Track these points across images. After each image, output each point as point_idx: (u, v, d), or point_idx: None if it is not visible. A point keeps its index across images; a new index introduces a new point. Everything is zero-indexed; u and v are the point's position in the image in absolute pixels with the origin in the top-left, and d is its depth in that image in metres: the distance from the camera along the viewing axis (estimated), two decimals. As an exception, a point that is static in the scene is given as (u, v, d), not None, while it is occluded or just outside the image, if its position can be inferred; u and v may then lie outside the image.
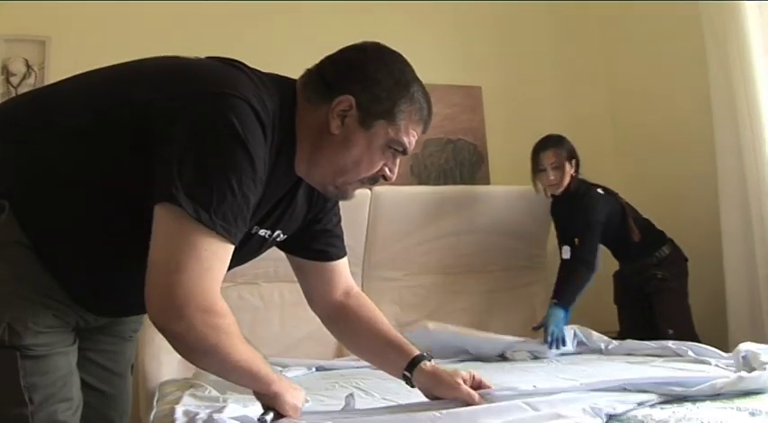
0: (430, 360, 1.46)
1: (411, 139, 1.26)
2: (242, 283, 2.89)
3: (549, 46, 4.05)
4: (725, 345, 2.61)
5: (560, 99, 3.99)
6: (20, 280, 1.14)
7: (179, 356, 2.91)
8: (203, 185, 1.06)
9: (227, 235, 1.08)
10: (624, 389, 1.51)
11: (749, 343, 2.06)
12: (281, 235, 1.36)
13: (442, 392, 1.42)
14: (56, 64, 3.11)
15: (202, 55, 1.28)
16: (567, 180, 2.98)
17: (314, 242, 1.47)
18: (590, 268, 2.88)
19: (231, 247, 1.10)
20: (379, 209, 3.09)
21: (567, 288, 2.89)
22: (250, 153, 1.09)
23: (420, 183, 3.63)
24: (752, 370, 1.72)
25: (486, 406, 1.33)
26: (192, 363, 1.17)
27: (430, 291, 3.25)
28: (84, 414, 1.27)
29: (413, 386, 1.46)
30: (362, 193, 3.09)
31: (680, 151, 3.49)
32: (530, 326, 2.98)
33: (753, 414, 1.37)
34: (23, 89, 3.06)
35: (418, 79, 1.27)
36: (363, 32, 3.48)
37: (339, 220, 1.52)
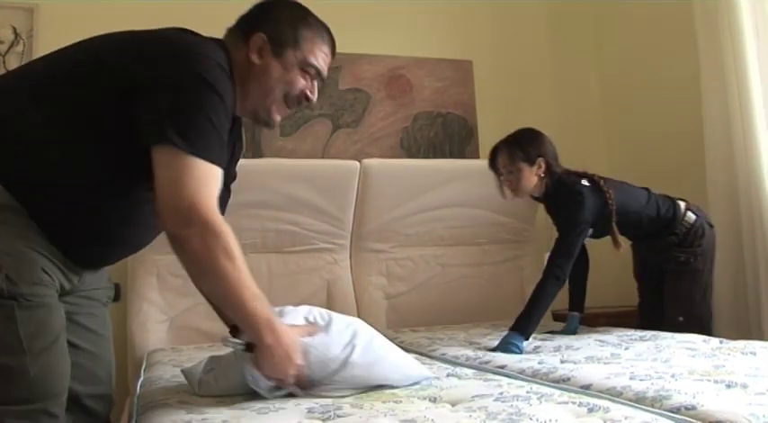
0: None
1: (320, 61, 1.52)
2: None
3: (541, 21, 4.03)
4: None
5: (551, 74, 3.99)
6: (14, 237, 1.26)
7: (166, 326, 2.94)
8: (188, 124, 1.28)
9: (212, 158, 1.29)
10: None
11: None
12: None
13: None
14: (44, 32, 3.08)
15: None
16: (529, 183, 2.58)
17: None
18: (559, 282, 2.41)
19: (219, 170, 1.32)
20: (369, 181, 3.10)
21: (529, 311, 2.36)
22: (219, 93, 1.31)
23: (409, 156, 3.62)
24: None
25: None
26: (195, 278, 1.35)
27: (418, 263, 3.26)
28: (76, 374, 1.37)
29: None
30: (352, 165, 3.10)
31: (669, 126, 3.50)
32: (517, 300, 2.98)
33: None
34: (11, 57, 3.04)
35: (313, 14, 1.54)
36: (357, 3, 3.51)
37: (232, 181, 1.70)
